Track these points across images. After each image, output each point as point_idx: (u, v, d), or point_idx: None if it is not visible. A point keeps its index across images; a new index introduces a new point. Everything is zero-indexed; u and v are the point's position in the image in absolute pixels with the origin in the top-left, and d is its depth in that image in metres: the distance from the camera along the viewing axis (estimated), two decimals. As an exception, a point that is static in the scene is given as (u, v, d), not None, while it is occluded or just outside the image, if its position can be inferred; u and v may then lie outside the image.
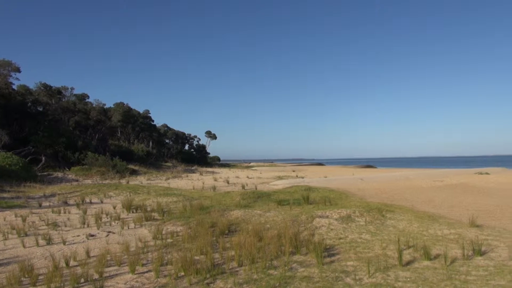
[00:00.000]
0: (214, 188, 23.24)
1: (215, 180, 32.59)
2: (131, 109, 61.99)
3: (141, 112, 67.29)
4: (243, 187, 24.50)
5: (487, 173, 41.26)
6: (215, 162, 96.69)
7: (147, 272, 6.52)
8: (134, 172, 36.49)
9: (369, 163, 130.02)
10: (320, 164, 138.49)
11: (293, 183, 27.07)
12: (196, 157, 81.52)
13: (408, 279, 5.76)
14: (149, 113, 70.45)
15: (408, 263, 6.69)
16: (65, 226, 11.28)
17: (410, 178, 34.97)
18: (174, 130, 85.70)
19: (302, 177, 37.67)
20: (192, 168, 58.27)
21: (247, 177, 38.88)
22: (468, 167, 62.64)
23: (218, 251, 7.79)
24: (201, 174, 44.27)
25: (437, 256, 7.00)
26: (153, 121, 71.58)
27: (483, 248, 7.38)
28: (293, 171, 64.39)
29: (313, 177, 39.31)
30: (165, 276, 6.22)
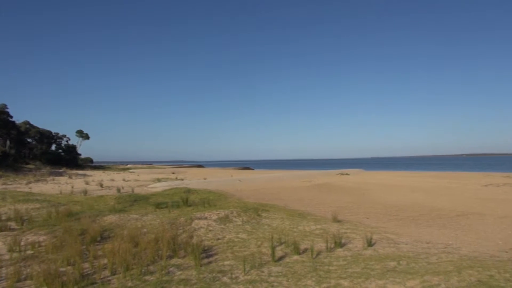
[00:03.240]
0: (85, 192, 21.42)
1: (87, 183, 30.12)
2: (-18, 102, 53.23)
3: (-5, 106, 58.22)
4: (118, 190, 23.13)
5: (347, 174, 46.69)
6: (88, 164, 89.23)
7: (-1, 290, 5.68)
8: (-15, 176, 31.43)
9: (246, 165, 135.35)
10: (200, 166, 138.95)
11: (173, 186, 26.61)
12: (65, 158, 73.93)
13: (280, 273, 6.16)
14: (7, 108, 61.36)
15: (280, 258, 7.16)
16: None
17: (283, 179, 37.46)
18: (38, 128, 76.10)
19: (182, 179, 37.28)
20: (60, 170, 52.78)
21: (123, 180, 36.88)
22: (332, 169, 69.93)
23: (88, 260, 7.19)
24: (70, 177, 40.40)
25: (305, 250, 7.64)
26: (11, 117, 62.48)
27: (343, 241, 8.34)
28: (173, 173, 63.43)
29: (193, 179, 39.24)
30: (23, 292, 5.50)
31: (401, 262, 6.46)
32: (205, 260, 7.09)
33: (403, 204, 16.39)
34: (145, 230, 9.86)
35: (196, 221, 10.77)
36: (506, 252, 7.34)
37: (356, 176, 43.81)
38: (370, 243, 7.99)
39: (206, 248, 8.11)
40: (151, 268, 6.64)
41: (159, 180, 36.40)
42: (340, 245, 7.97)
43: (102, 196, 19.21)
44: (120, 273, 6.29)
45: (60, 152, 78.51)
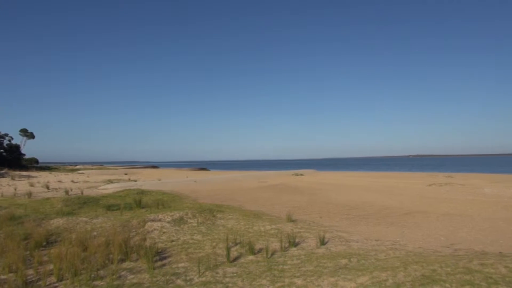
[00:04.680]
0: (29, 194, 20.24)
1: (32, 185, 28.48)
2: None
3: None
4: (66, 192, 22.07)
5: (301, 175, 47.59)
6: (32, 165, 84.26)
7: None
8: None
9: (202, 166, 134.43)
10: (154, 167, 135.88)
11: (125, 187, 25.82)
12: (6, 159, 69.30)
13: (235, 274, 6.16)
14: None
15: (235, 259, 7.16)
16: None
17: (239, 179, 37.51)
18: (-24, 126, 70.91)
19: (135, 180, 36.26)
20: (1, 172, 49.45)
21: (72, 181, 35.24)
22: (287, 169, 71.03)
23: (33, 266, 6.79)
24: (13, 178, 37.99)
25: (260, 250, 7.70)
26: None
27: (297, 240, 8.49)
28: (126, 174, 61.62)
29: (147, 180, 38.29)
30: (-43, 303, 5.09)
31: (352, 259, 6.67)
32: (159, 263, 6.94)
33: (354, 203, 16.96)
34: (95, 233, 9.49)
35: (149, 223, 10.53)
36: (448, 247, 7.81)
37: (310, 176, 44.77)
38: (323, 242, 8.20)
39: (159, 250, 7.94)
40: (101, 272, 6.40)
41: (110, 181, 35.18)
42: (294, 244, 8.11)
43: (48, 198, 18.25)
44: (67, 279, 6.01)
45: (1, 152, 73.56)
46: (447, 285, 4.59)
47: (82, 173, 62.07)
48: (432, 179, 33.97)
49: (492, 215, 12.81)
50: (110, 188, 25.55)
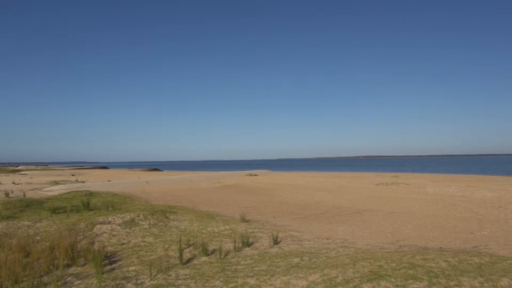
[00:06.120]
0: (-36, 197, 18.75)
1: (-33, 187, 26.40)
2: None
3: None
4: (6, 194, 20.65)
5: (255, 175, 47.90)
6: (-33, 165, 78.37)
7: None
8: None
9: (155, 167, 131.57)
10: (104, 167, 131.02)
11: (72, 189, 24.64)
12: None
13: (188, 276, 6.08)
14: None
15: (189, 260, 7.08)
16: None
17: (192, 180, 37.09)
18: None
19: (83, 182, 34.70)
20: None
21: (13, 182, 33.09)
22: (241, 170, 71.27)
23: (-33, 275, 6.31)
24: None
25: (213, 251, 7.67)
26: None
27: (250, 240, 8.54)
28: (73, 175, 58.88)
29: (96, 181, 36.80)
30: None
31: (304, 258, 6.82)
32: (108, 267, 6.71)
33: (307, 203, 17.35)
34: (38, 238, 8.99)
35: (98, 226, 10.13)
36: (393, 244, 8.21)
37: (264, 177, 45.16)
38: (276, 241, 8.32)
39: (109, 254, 7.68)
40: (45, 279, 6.08)
41: (56, 182, 33.42)
42: (248, 244, 8.16)
43: (-15, 201, 17.01)
44: (7, 287, 5.64)
45: None
46: (393, 279, 4.82)
47: (24, 174, 58.60)
48: (380, 179, 35.47)
49: (433, 213, 13.63)
50: (56, 190, 24.27)
